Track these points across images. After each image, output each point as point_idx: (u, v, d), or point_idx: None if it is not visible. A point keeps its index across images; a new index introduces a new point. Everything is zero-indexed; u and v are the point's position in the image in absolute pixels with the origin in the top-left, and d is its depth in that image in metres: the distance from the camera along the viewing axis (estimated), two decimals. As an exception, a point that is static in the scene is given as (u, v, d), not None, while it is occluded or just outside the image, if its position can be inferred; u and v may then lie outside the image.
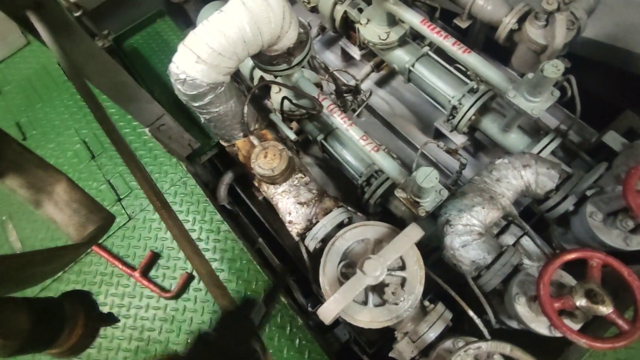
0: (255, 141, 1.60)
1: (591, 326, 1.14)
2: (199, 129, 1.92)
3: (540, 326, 1.16)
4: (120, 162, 1.59)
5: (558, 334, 1.11)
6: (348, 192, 2.18)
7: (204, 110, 1.52)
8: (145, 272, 1.45)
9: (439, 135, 2.17)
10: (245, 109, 1.62)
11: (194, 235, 1.51)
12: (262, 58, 1.58)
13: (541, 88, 1.44)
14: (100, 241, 1.40)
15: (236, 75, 2.24)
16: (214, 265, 1.44)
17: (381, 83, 2.49)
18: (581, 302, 0.96)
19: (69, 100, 1.78)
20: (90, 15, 2.39)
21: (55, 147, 1.70)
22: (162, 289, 1.41)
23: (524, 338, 1.35)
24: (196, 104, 1.47)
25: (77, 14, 2.32)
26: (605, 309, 0.93)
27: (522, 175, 1.42)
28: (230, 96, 1.56)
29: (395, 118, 2.36)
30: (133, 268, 1.45)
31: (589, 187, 1.36)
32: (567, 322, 1.09)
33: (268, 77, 1.87)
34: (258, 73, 2.10)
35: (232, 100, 1.57)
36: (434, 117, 2.18)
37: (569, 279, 1.16)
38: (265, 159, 1.49)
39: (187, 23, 2.76)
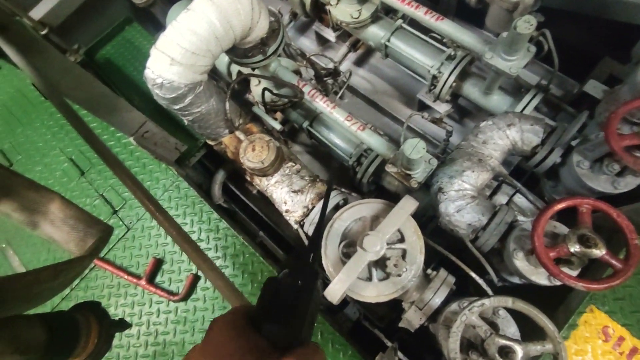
0: (242, 136, 1.60)
1: (588, 271, 1.18)
2: (184, 132, 1.92)
3: (540, 278, 1.20)
4: (110, 175, 1.59)
5: (558, 283, 1.14)
6: (340, 174, 2.19)
7: (186, 112, 1.51)
8: (151, 279, 1.47)
9: (422, 107, 2.18)
10: (227, 106, 1.62)
11: (193, 237, 1.52)
12: (237, 52, 1.57)
13: (517, 45, 1.45)
14: (102, 254, 1.41)
15: (213, 73, 2.22)
16: (218, 263, 1.46)
17: (359, 62, 2.48)
18: (575, 248, 0.99)
19: (49, 121, 1.76)
20: (58, 32, 2.35)
21: (43, 169, 1.69)
22: (170, 292, 1.43)
23: (527, 292, 1.39)
24: (177, 107, 1.46)
25: (43, 32, 2.28)
26: (599, 252, 0.97)
27: (507, 134, 1.44)
28: (210, 94, 1.56)
29: (378, 95, 2.36)
30: (138, 277, 1.46)
31: (573, 137, 1.38)
32: (565, 269, 1.12)
33: (246, 70, 1.86)
34: (235, 68, 2.09)
35: (212, 98, 1.56)
36: (416, 89, 2.18)
37: (562, 229, 1.19)
38: (254, 152, 1.49)
39: (157, 27, 2.71)
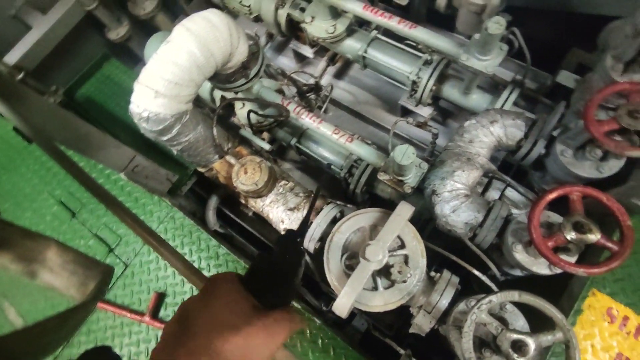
0: (232, 160, 1.60)
1: (586, 256, 1.21)
2: (173, 161, 1.91)
3: (540, 267, 1.22)
4: (102, 214, 1.56)
5: (559, 271, 1.17)
6: (333, 187, 2.21)
7: (175, 142, 1.51)
8: (154, 314, 1.44)
9: (405, 112, 2.23)
10: (215, 131, 1.63)
11: (194, 265, 1.50)
12: (219, 78, 1.59)
13: (489, 45, 1.50)
14: (102, 295, 1.38)
15: (197, 101, 2.23)
16: (222, 290, 1.45)
17: (340, 75, 2.52)
18: (571, 235, 1.02)
19: (35, 165, 1.73)
20: (34, 75, 2.33)
21: (32, 215, 1.66)
22: (176, 326, 1.41)
23: (530, 283, 1.41)
24: (165, 138, 1.46)
25: (19, 77, 2.27)
26: (594, 236, 0.99)
27: (491, 131, 1.48)
28: (197, 122, 1.56)
29: (361, 105, 2.40)
30: (142, 313, 1.43)
31: (554, 128, 1.43)
32: (564, 257, 1.15)
33: (229, 95, 1.88)
34: (218, 93, 2.10)
35: (199, 125, 1.57)
36: (398, 96, 2.23)
37: (556, 218, 1.22)
38: (246, 175, 1.50)
39: (135, 60, 2.72)
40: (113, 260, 1.47)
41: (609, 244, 0.98)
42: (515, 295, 0.98)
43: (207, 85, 2.07)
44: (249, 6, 2.25)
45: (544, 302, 0.96)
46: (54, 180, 1.67)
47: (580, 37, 2.19)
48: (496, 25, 1.40)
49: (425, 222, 1.71)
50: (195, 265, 1.50)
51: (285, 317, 0.61)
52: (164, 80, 1.31)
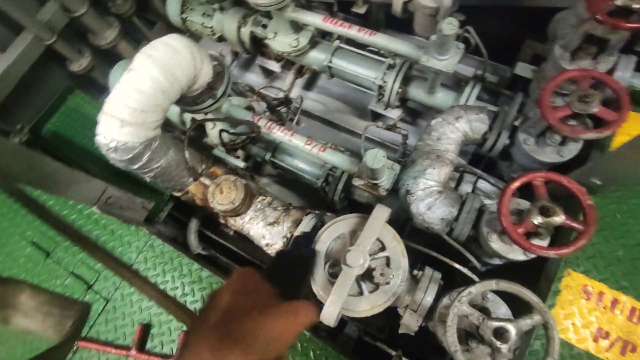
0: (207, 181, 1.60)
1: (558, 238, 1.25)
2: (148, 189, 1.89)
3: (516, 254, 1.25)
4: (78, 250, 1.52)
5: (533, 255, 1.20)
6: (312, 197, 2.22)
7: (146, 169, 1.50)
8: (141, 347, 1.40)
9: (376, 116, 2.27)
10: (187, 154, 1.62)
11: (177, 292, 1.48)
12: (186, 101, 1.59)
13: (446, 45, 1.56)
14: (84, 333, 1.33)
15: (167, 125, 2.22)
16: (208, 313, 1.43)
17: (309, 86, 2.56)
18: (538, 219, 1.06)
19: (2, 208, 1.68)
20: (-3, 115, 2.28)
21: (4, 259, 1.60)
22: (165, 356, 1.37)
23: (511, 270, 1.45)
24: (136, 166, 1.44)
25: (-19, 118, 2.21)
26: (559, 218, 1.04)
27: (457, 127, 1.52)
28: (167, 147, 1.55)
29: (332, 114, 2.44)
30: (127, 348, 1.39)
31: (515, 118, 1.48)
32: (536, 241, 1.19)
33: (199, 116, 1.88)
34: (188, 116, 2.10)
35: (170, 150, 1.56)
36: (367, 101, 2.28)
37: (525, 204, 1.26)
38: (222, 195, 1.49)
39: (100, 91, 2.69)
40: (93, 296, 1.43)
41: (574, 224, 1.03)
42: (492, 284, 1.00)
43: (176, 108, 2.07)
44: (211, 27, 2.27)
45: (520, 287, 0.99)
46: (23, 222, 1.62)
47: (533, 29, 2.29)
48: (449, 26, 1.46)
49: (404, 222, 1.74)
50: (179, 291, 1.48)
51: (306, 306, 0.67)
52: (129, 109, 1.31)
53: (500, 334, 0.95)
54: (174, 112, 2.12)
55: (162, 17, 2.63)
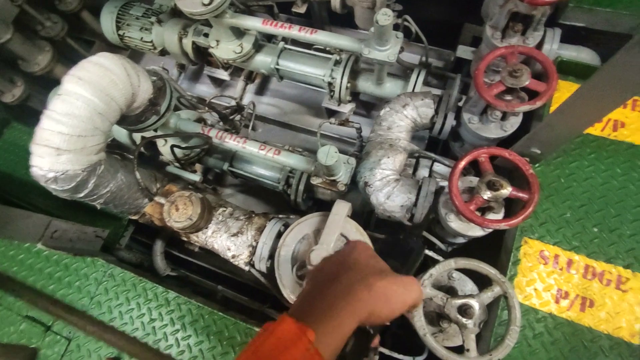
0: (162, 200, 1.54)
1: (512, 209, 1.30)
2: (105, 215, 1.80)
3: (475, 231, 1.29)
4: (30, 291, 1.43)
5: (489, 229, 1.24)
6: (278, 202, 2.20)
7: (94, 196, 1.43)
8: (114, 381, 1.34)
9: (331, 113, 2.28)
10: (138, 175, 1.55)
11: (145, 319, 1.42)
12: (129, 120, 1.53)
13: (385, 36, 1.58)
14: (48, 379, 1.26)
15: (118, 147, 2.13)
16: (179, 335, 1.38)
17: (261, 90, 2.53)
18: (487, 194, 1.09)
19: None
20: None
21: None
22: (139, 386, 1.32)
23: (476, 247, 1.49)
24: (81, 195, 1.37)
25: None
26: (506, 191, 1.07)
27: (405, 114, 1.55)
28: (115, 170, 1.49)
29: (288, 115, 2.43)
30: (99, 384, 1.33)
31: (459, 99, 1.53)
32: (491, 216, 1.23)
33: (150, 133, 1.81)
34: (139, 135, 2.02)
35: (119, 173, 1.50)
36: (320, 99, 2.28)
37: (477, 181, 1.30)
38: (178, 212, 1.45)
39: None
40: (53, 338, 1.35)
41: (520, 194, 1.07)
42: (451, 263, 1.02)
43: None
44: (151, 41, 2.20)
45: (478, 262, 1.02)
46: (-34, 270, 1.50)
47: (472, 12, 2.38)
48: (384, 16, 1.48)
49: (369, 214, 1.75)
50: (146, 317, 1.42)
51: (415, 282, 0.71)
52: (63, 136, 1.24)
53: (464, 310, 0.97)
54: (123, 133, 2.03)
55: (100, 36, 2.52)
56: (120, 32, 2.23)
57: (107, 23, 2.20)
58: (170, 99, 1.57)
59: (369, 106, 2.33)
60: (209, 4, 1.64)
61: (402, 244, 0.80)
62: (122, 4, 2.21)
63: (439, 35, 2.35)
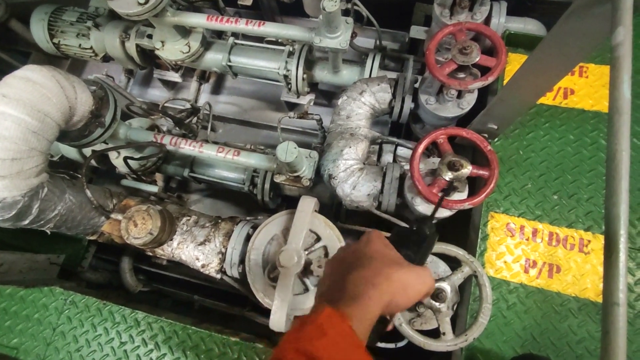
0: (119, 217, 1.46)
1: (477, 186, 1.30)
2: (64, 238, 1.70)
3: (442, 212, 1.28)
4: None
5: (455, 210, 1.24)
6: (247, 202, 2.14)
7: (42, 222, 1.32)
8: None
9: (291, 106, 2.22)
10: (88, 193, 1.46)
11: (115, 343, 1.35)
12: (72, 136, 1.42)
13: (334, 23, 1.53)
14: None
15: (67, 163, 2.00)
16: (153, 355, 1.32)
17: (216, 89, 2.43)
18: (448, 175, 1.08)
19: None
20: None
21: None
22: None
23: (449, 227, 1.50)
24: (26, 222, 1.27)
25: None
26: (467, 170, 1.07)
27: (363, 102, 1.52)
28: (62, 191, 1.38)
29: (248, 112, 2.35)
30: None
31: (414, 81, 1.51)
32: (456, 195, 1.23)
33: (102, 147, 1.70)
34: (89, 150, 1.90)
35: (66, 193, 1.39)
36: (279, 93, 2.21)
37: (440, 162, 1.30)
38: (137, 228, 1.37)
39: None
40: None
41: (481, 172, 1.06)
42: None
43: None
44: (90, 48, 2.06)
45: (445, 245, 1.01)
46: None
47: (422, -8, 2.37)
48: (331, 3, 1.43)
49: (339, 206, 1.73)
50: (116, 341, 1.35)
51: (428, 272, 0.72)
52: (-5, 161, 1.13)
53: (436, 295, 0.97)
54: (72, 149, 1.90)
55: (35, 46, 2.33)
56: (55, 41, 2.07)
57: (38, 32, 2.04)
58: (115, 109, 1.47)
59: (329, 95, 2.29)
60: (145, 3, 1.53)
61: (416, 232, 0.80)
62: (52, 9, 2.04)
63: (393, 17, 2.32)
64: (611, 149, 0.55)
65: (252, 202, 1.90)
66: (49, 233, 1.39)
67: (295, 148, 1.31)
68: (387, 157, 1.66)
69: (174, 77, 2.27)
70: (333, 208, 1.81)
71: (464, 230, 1.42)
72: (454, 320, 1.22)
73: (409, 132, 1.94)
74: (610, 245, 0.53)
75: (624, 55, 0.57)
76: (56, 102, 1.23)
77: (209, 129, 2.07)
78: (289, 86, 1.96)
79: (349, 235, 1.84)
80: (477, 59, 1.17)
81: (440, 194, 1.09)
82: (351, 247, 0.78)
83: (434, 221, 0.96)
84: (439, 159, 1.30)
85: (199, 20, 1.72)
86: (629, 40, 0.57)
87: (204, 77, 2.34)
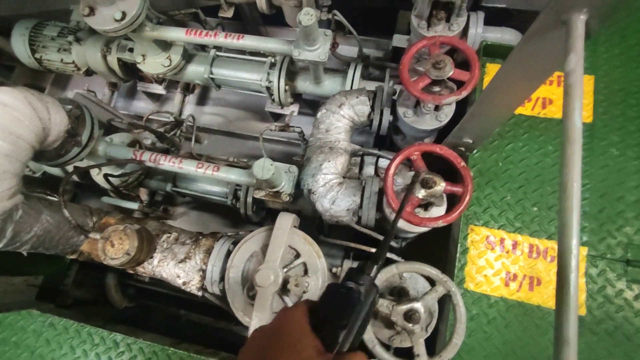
0: (97, 236, 1.44)
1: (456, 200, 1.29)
2: (41, 257, 1.68)
3: (420, 227, 1.27)
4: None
5: (429, 227, 1.23)
6: (233, 215, 2.13)
7: (17, 244, 1.31)
8: None
9: (277, 117, 2.22)
10: (66, 212, 1.44)
11: (94, 366, 1.33)
12: (48, 156, 1.40)
13: (312, 35, 1.53)
14: None
15: (47, 182, 1.99)
16: (133, 377, 1.30)
17: (201, 100, 2.43)
18: (422, 193, 1.07)
19: None
20: None
21: None
22: None
23: (430, 239, 1.49)
24: (1, 245, 1.25)
25: None
26: (440, 187, 1.06)
27: (342, 115, 1.51)
28: (38, 211, 1.37)
29: (234, 124, 2.34)
30: None
31: (392, 93, 1.50)
32: (434, 210, 1.22)
33: (83, 163, 1.68)
34: (71, 167, 1.88)
35: (43, 214, 1.38)
36: (264, 103, 2.20)
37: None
38: (114, 248, 1.35)
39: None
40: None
41: (454, 189, 1.05)
42: (393, 269, 1.01)
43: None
44: (72, 62, 2.04)
45: (419, 265, 1.00)
46: None
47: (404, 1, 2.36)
48: (307, 16, 1.42)
49: (321, 219, 1.71)
50: (95, 363, 1.33)
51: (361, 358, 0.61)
52: (-35, 186, 1.11)
53: (409, 316, 0.96)
54: (55, 168, 1.89)
55: (19, 60, 2.32)
56: (37, 56, 2.05)
57: (19, 47, 2.03)
58: (92, 127, 1.46)
59: (314, 104, 2.28)
60: (122, 19, 1.53)
61: (345, 296, 0.66)
62: (33, 24, 2.03)
63: (378, 25, 2.32)
64: (562, 180, 0.54)
65: (238, 214, 1.89)
66: (25, 254, 1.38)
67: (271, 165, 1.30)
68: (369, 170, 1.64)
69: (158, 89, 2.26)
70: (316, 221, 1.80)
71: (444, 243, 1.41)
72: (434, 337, 1.21)
73: (392, 143, 1.93)
74: (561, 278, 0.52)
75: (576, 83, 0.56)
76: (29, 124, 1.22)
77: (192, 142, 2.05)
78: (272, 97, 1.95)
79: (332, 248, 1.83)
80: (451, 73, 1.16)
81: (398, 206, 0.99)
82: (265, 330, 0.67)
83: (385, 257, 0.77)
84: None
85: (178, 34, 1.71)
86: (581, 68, 0.56)
87: (188, 88, 2.33)
